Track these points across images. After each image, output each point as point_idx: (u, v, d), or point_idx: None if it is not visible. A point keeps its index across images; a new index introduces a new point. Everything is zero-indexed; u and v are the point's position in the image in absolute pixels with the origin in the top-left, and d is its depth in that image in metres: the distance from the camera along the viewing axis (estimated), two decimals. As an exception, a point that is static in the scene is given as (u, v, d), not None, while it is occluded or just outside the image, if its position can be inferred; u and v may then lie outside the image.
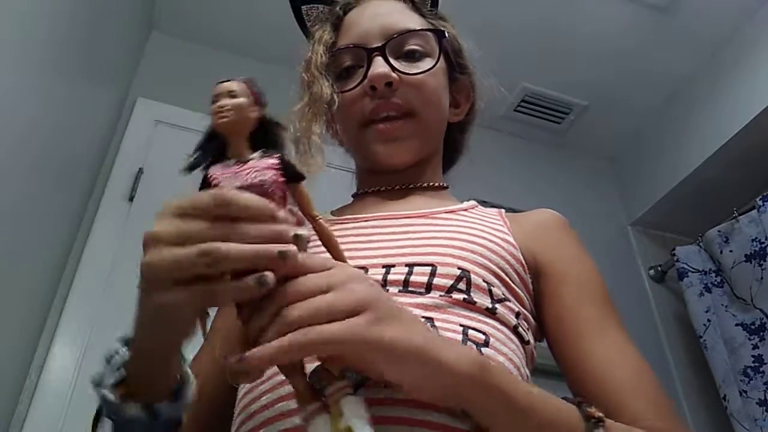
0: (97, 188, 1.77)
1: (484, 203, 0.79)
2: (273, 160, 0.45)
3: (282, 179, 0.45)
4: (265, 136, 0.47)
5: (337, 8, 0.78)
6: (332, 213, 0.76)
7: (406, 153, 0.73)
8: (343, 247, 0.48)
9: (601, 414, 0.48)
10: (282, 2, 0.80)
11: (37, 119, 1.25)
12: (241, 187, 0.43)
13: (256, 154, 0.46)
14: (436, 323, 0.54)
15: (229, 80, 0.46)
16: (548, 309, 0.64)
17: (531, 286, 0.65)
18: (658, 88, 2.39)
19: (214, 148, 0.47)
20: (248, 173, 0.44)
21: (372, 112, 0.71)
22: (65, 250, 1.61)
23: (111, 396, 0.45)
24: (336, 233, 0.49)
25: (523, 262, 0.65)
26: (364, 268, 0.59)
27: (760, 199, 1.97)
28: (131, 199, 1.76)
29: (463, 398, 0.44)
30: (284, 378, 0.53)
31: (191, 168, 0.46)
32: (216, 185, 0.44)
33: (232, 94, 0.45)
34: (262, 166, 0.45)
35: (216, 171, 0.45)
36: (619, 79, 2.32)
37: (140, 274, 0.40)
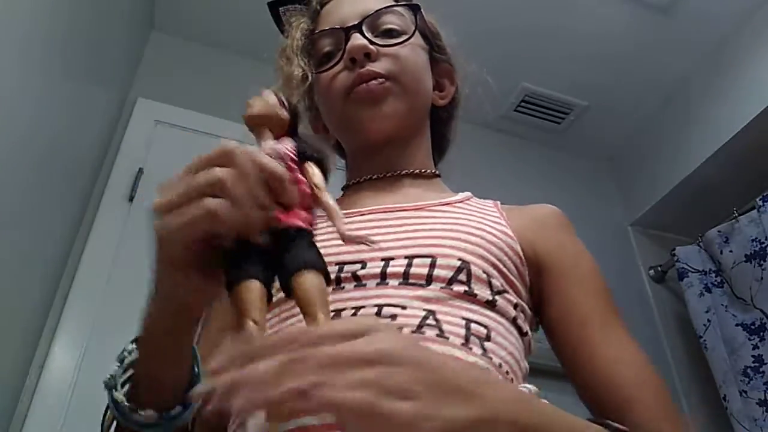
0: (97, 188, 1.77)
1: None
2: (287, 143, 0.47)
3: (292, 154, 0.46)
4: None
5: (314, 3, 0.79)
6: None
7: (390, 117, 0.71)
8: (337, 242, 0.47)
9: (626, 428, 0.48)
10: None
11: (37, 119, 1.25)
12: None
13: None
14: (438, 316, 0.54)
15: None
16: (552, 305, 0.64)
17: (528, 278, 0.65)
18: (659, 87, 2.39)
19: None
20: None
21: (353, 82, 0.71)
22: (65, 250, 1.61)
23: (124, 402, 0.45)
24: (329, 229, 0.48)
25: (521, 254, 0.65)
26: (362, 262, 0.59)
27: (760, 199, 1.98)
28: (131, 199, 1.76)
29: None
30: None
31: None
32: None
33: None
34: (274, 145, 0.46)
35: None
36: (619, 79, 2.32)
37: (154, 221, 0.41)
